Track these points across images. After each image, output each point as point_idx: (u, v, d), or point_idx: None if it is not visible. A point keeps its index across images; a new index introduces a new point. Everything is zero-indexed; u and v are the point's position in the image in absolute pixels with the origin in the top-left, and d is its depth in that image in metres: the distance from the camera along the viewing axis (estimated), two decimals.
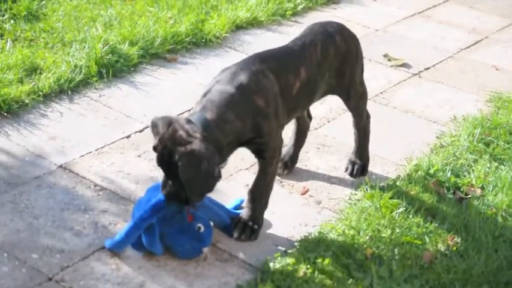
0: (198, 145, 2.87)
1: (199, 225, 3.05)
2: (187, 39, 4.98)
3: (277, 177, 3.63)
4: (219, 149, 2.94)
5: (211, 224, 3.15)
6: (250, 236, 3.20)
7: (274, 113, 3.09)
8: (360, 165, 3.72)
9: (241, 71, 3.08)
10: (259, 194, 3.22)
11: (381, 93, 4.65)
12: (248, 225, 3.21)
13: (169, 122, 2.95)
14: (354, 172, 3.72)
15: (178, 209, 3.02)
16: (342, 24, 3.56)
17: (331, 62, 3.38)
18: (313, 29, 3.43)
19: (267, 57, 3.20)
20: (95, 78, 4.39)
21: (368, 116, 3.72)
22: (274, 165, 3.20)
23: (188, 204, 2.98)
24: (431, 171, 3.74)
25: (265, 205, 3.25)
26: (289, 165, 3.70)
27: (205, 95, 3.05)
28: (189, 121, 2.94)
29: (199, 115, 2.97)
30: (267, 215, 3.29)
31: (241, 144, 3.11)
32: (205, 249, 3.07)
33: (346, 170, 3.75)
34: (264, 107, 3.05)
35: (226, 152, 3.02)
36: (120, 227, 3.15)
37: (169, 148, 2.90)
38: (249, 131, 3.05)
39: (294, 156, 3.71)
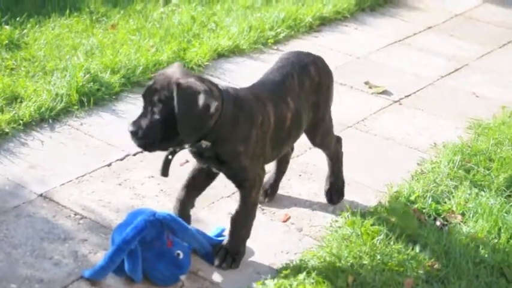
0: (195, 81, 2.88)
1: (179, 251, 3.04)
2: None
3: (258, 205, 3.62)
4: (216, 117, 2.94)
5: (191, 251, 3.14)
6: (231, 264, 3.19)
7: (257, 141, 3.10)
8: (336, 189, 3.72)
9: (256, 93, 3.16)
10: (241, 223, 3.21)
11: (362, 120, 4.67)
12: (229, 253, 3.19)
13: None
14: (332, 198, 3.71)
15: (158, 234, 3.01)
16: (317, 56, 3.53)
17: (307, 95, 3.36)
18: (289, 59, 3.40)
19: (262, 87, 3.23)
20: (76, 107, 4.38)
21: (339, 140, 3.70)
22: (254, 196, 3.18)
23: (150, 149, 2.92)
24: (412, 197, 3.75)
25: (247, 234, 3.24)
26: (270, 193, 3.69)
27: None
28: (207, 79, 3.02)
29: (226, 86, 3.06)
30: (249, 242, 3.28)
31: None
32: (183, 277, 3.06)
33: (326, 195, 3.74)
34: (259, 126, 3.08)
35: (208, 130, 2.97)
36: (100, 256, 3.12)
37: (163, 82, 2.88)
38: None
39: (274, 184, 3.70)
